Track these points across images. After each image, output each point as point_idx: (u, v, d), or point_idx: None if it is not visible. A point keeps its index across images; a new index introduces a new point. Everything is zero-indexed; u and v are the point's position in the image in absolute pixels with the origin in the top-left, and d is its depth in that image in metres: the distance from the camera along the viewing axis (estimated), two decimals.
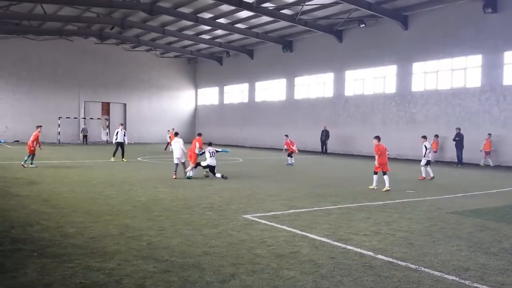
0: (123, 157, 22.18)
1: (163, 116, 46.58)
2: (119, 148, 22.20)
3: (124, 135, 22.39)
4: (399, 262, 6.23)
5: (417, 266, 6.06)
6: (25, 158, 18.46)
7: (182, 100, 49.03)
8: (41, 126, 19.98)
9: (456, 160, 23.87)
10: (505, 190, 14.37)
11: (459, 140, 23.63)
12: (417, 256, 6.53)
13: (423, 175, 16.78)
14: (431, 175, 16.65)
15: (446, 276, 5.69)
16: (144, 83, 46.21)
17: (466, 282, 5.48)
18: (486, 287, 5.29)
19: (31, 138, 18.66)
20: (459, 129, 23.73)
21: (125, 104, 45.77)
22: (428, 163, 16.76)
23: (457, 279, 5.59)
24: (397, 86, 28.62)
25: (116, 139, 22.21)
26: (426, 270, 5.91)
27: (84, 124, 42.36)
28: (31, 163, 18.34)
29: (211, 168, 15.58)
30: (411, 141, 27.26)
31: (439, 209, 10.49)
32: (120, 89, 44.93)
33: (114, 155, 22.25)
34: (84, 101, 43.55)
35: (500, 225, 8.86)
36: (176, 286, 5.18)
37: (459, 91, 25.41)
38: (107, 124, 44.38)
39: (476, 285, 5.36)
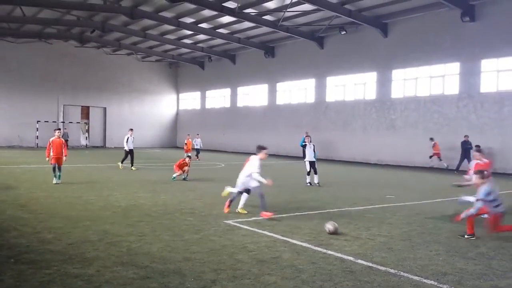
0: (132, 165, 20.74)
1: (144, 120, 46.23)
2: (129, 156, 20.83)
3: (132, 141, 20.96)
4: (379, 267, 6.30)
5: (397, 271, 6.13)
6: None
7: (163, 105, 48.76)
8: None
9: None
10: None
11: (467, 148, 22.56)
12: (396, 261, 6.61)
13: None
14: None
15: (425, 280, 5.77)
16: (125, 87, 45.80)
17: (444, 286, 5.57)
18: None
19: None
20: (467, 136, 23.00)
21: (105, 108, 45.28)
22: None
23: (436, 283, 5.67)
24: (377, 93, 28.99)
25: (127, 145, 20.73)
26: (405, 274, 5.99)
27: (65, 128, 41.72)
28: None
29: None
30: (391, 147, 27.66)
31: (418, 214, 10.64)
32: (100, 93, 44.44)
33: (122, 162, 20.91)
34: (63, 105, 42.92)
35: (477, 230, 9.01)
36: None
37: (437, 98, 25.87)
38: (87, 128, 43.81)
39: None
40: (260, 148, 10.11)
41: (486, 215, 8.38)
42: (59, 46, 41.22)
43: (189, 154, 19.62)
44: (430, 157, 25.01)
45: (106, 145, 44.83)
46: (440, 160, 24.72)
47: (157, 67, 47.95)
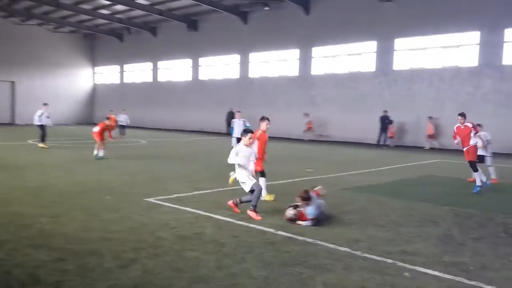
0: (42, 142, 19.04)
1: (58, 95, 43.42)
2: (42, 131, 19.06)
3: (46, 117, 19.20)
4: (298, 237, 6.54)
5: (314, 240, 6.40)
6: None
7: (78, 79, 46.06)
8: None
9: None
10: (394, 167, 15.66)
11: (385, 122, 24.10)
12: (314, 231, 6.89)
13: (493, 176, 12.30)
14: (493, 176, 12.36)
15: (340, 248, 6.09)
16: (36, 60, 42.58)
17: (357, 252, 5.91)
18: (374, 257, 5.75)
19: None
20: (386, 111, 24.17)
21: (13, 82, 41.92)
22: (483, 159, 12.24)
23: (349, 250, 6.01)
24: (299, 69, 29.60)
25: (41, 121, 19.01)
26: (322, 243, 6.28)
27: None
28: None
29: None
30: (312, 122, 28.56)
31: (335, 185, 11.14)
32: (8, 66, 40.85)
33: (43, 140, 19.05)
34: None
35: (388, 199, 9.66)
36: (72, 274, 4.94)
37: (355, 75, 26.98)
38: None
39: (365, 255, 5.80)
40: (245, 131, 8.23)
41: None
42: None
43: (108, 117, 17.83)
44: (305, 131, 28.03)
45: (16, 122, 41.73)
46: (314, 133, 27.93)
47: (71, 39, 45.02)
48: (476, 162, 11.05)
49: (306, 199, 7.38)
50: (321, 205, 7.50)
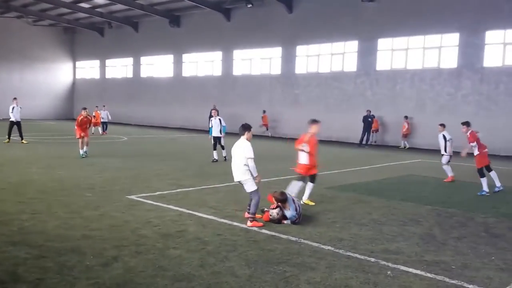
0: (22, 138, 18.88)
1: (37, 90, 42.67)
2: (15, 127, 18.84)
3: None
4: (281, 235, 6.54)
5: (298, 238, 6.41)
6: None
7: (58, 73, 45.26)
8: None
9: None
10: (376, 166, 15.80)
11: (368, 122, 24.23)
12: (297, 229, 6.90)
13: (449, 174, 12.70)
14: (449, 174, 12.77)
15: (323, 246, 6.11)
16: (14, 53, 41.65)
17: (340, 251, 5.94)
18: (357, 255, 5.78)
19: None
20: (369, 111, 24.35)
21: None
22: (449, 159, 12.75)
23: (333, 248, 6.03)
24: (282, 68, 29.61)
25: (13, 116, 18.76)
26: (306, 241, 6.29)
27: None
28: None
29: None
30: (294, 121, 28.60)
31: (319, 184, 11.13)
32: None
33: (9, 136, 18.84)
34: None
35: (371, 198, 9.74)
36: (52, 272, 4.84)
37: (338, 74, 27.12)
38: None
39: (348, 254, 5.84)
40: (246, 127, 7.62)
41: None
42: None
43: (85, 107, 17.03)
44: (260, 126, 28.92)
45: None
46: (267, 130, 29.23)
47: (51, 32, 44.20)
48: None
49: (283, 201, 7.23)
50: (299, 205, 7.42)
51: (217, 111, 16.80)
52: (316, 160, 8.82)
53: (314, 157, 8.72)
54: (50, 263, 5.10)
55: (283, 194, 7.38)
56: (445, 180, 12.60)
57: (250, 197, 7.26)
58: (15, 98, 19.65)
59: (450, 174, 12.64)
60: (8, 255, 5.31)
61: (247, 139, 7.41)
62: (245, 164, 7.14)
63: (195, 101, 34.53)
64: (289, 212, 7.18)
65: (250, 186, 7.16)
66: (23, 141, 18.86)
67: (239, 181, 7.27)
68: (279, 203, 7.25)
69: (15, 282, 4.57)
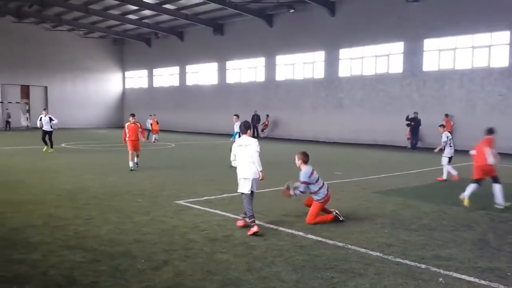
0: (50, 147, 19.32)
1: (89, 99, 44.54)
2: (46, 136, 19.35)
3: (51, 121, 19.43)
4: (328, 241, 6.49)
5: (344, 244, 6.34)
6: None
7: (108, 83, 47.08)
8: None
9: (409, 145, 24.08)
10: (423, 170, 15.36)
11: (415, 125, 23.54)
12: (344, 235, 6.82)
13: (444, 176, 12.82)
14: (454, 173, 12.63)
15: (371, 252, 6.01)
16: (66, 64, 43.71)
17: (389, 257, 5.82)
18: (407, 262, 5.65)
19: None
20: (417, 113, 23.63)
21: (46, 87, 43.12)
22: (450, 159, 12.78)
23: (381, 254, 5.91)
24: (325, 71, 29.41)
25: (42, 126, 19.50)
26: (353, 247, 6.20)
27: (7, 109, 39.39)
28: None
29: None
30: (338, 125, 28.30)
31: (365, 189, 11.00)
32: (40, 71, 42.17)
33: (46, 144, 19.33)
34: (1, 84, 40.47)
35: (420, 203, 9.48)
36: (106, 275, 5.03)
37: (382, 76, 26.62)
38: (27, 108, 41.60)
39: (398, 260, 5.71)
40: (248, 126, 7.62)
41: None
42: None
43: (133, 113, 16.31)
44: (262, 130, 31.88)
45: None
46: (263, 131, 31.92)
47: (101, 44, 46.06)
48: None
49: (305, 160, 7.77)
50: (316, 178, 7.77)
51: (238, 117, 16.17)
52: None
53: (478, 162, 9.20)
54: (103, 266, 5.30)
55: (306, 154, 7.88)
56: (438, 178, 12.76)
57: (244, 199, 7.24)
58: (44, 109, 21.48)
59: (454, 173, 12.58)
60: (64, 259, 5.54)
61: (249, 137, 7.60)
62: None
63: (239, 107, 34.78)
64: (303, 173, 7.65)
65: (256, 186, 7.37)
66: (48, 149, 18.96)
67: (253, 179, 7.19)
68: (300, 161, 7.77)
69: (71, 285, 4.78)
